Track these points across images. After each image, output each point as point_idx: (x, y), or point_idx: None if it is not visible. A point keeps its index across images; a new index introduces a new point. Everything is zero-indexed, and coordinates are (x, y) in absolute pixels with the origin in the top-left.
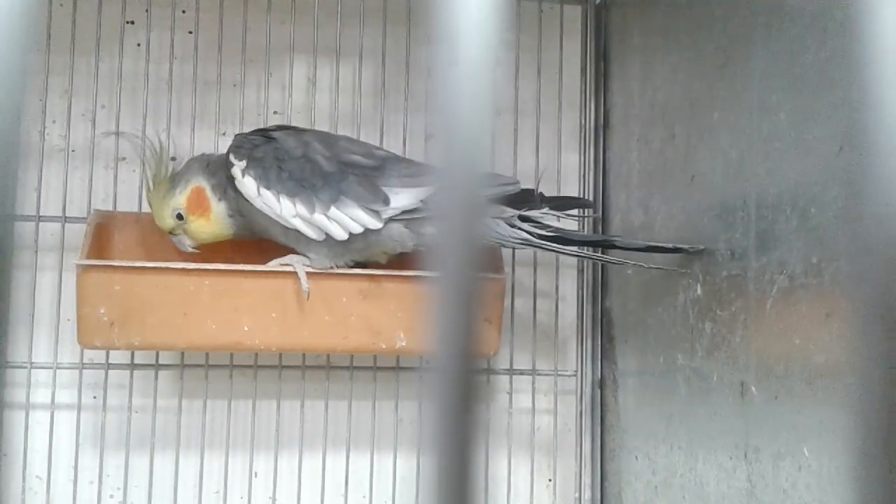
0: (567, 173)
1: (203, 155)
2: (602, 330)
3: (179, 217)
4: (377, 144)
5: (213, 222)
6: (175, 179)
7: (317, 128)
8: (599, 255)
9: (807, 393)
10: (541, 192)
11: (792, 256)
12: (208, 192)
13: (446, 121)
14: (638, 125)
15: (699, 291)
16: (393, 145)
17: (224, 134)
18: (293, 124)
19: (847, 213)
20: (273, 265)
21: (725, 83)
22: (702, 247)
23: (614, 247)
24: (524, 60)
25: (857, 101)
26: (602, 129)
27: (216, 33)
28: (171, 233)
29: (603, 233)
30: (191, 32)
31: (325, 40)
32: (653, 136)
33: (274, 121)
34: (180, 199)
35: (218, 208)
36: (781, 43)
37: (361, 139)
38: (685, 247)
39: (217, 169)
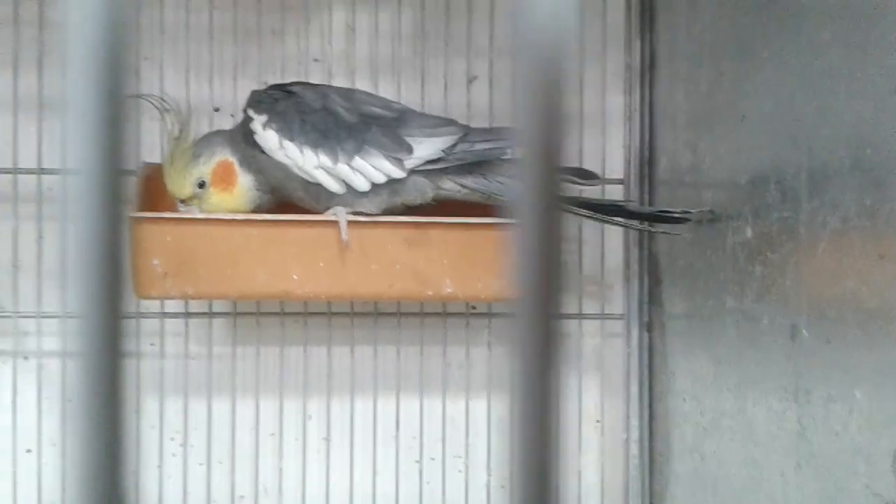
0: (612, 116)
1: (219, 130)
2: (649, 273)
3: (201, 185)
4: (418, 90)
5: (237, 196)
6: (197, 149)
7: (357, 75)
8: (607, 217)
9: (859, 336)
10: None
11: (845, 198)
12: (236, 165)
13: (527, 63)
14: (685, 65)
15: (749, 234)
16: (433, 90)
17: (266, 83)
18: (332, 72)
19: None
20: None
21: (775, 20)
22: (708, 208)
23: (624, 211)
24: None
25: None
26: (648, 70)
27: None
28: (182, 201)
29: (650, 175)
30: None
31: None
32: (700, 75)
33: (314, 69)
34: (205, 170)
35: (244, 181)
36: None
37: (401, 85)
38: (692, 212)
39: (237, 138)
